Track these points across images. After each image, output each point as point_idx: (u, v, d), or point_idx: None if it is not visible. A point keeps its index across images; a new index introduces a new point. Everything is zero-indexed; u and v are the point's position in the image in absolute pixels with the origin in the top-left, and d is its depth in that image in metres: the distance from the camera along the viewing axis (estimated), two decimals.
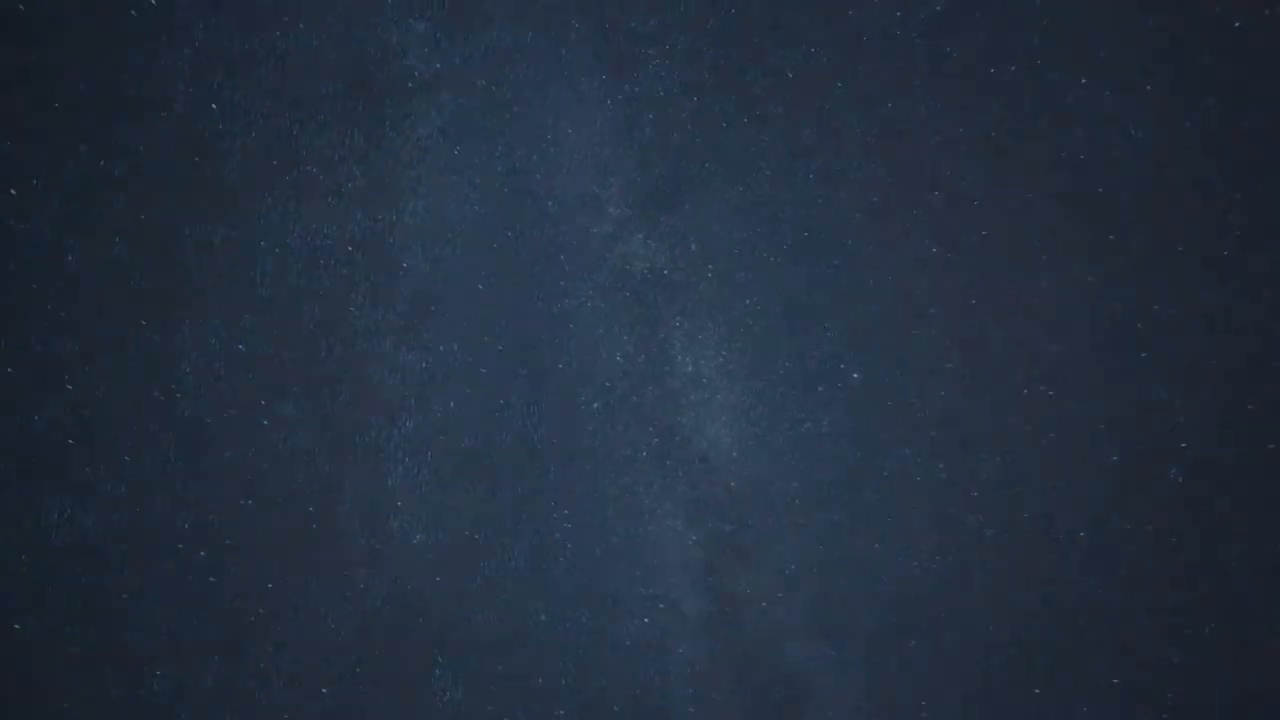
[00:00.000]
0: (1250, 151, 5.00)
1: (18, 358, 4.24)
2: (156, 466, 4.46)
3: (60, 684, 4.32)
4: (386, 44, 4.64)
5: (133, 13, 4.13)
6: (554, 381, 5.08)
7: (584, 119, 4.93)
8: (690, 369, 5.24)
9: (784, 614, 5.55)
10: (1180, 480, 5.19)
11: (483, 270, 4.92)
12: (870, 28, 4.94)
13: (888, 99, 5.05)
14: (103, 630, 4.37)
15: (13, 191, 3.94)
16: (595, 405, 5.16)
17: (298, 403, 4.67)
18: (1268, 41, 4.90)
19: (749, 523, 5.51)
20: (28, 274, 4.24)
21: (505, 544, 5.08)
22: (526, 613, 5.12)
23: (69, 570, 4.34)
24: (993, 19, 4.86)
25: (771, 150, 5.09)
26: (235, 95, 4.39)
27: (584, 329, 5.10)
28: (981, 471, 5.49)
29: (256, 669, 4.59)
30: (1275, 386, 5.12)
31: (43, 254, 4.20)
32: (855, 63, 4.99)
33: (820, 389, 5.39)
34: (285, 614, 4.72)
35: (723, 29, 4.93)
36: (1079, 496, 5.32)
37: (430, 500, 4.93)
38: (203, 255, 4.47)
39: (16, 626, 4.19)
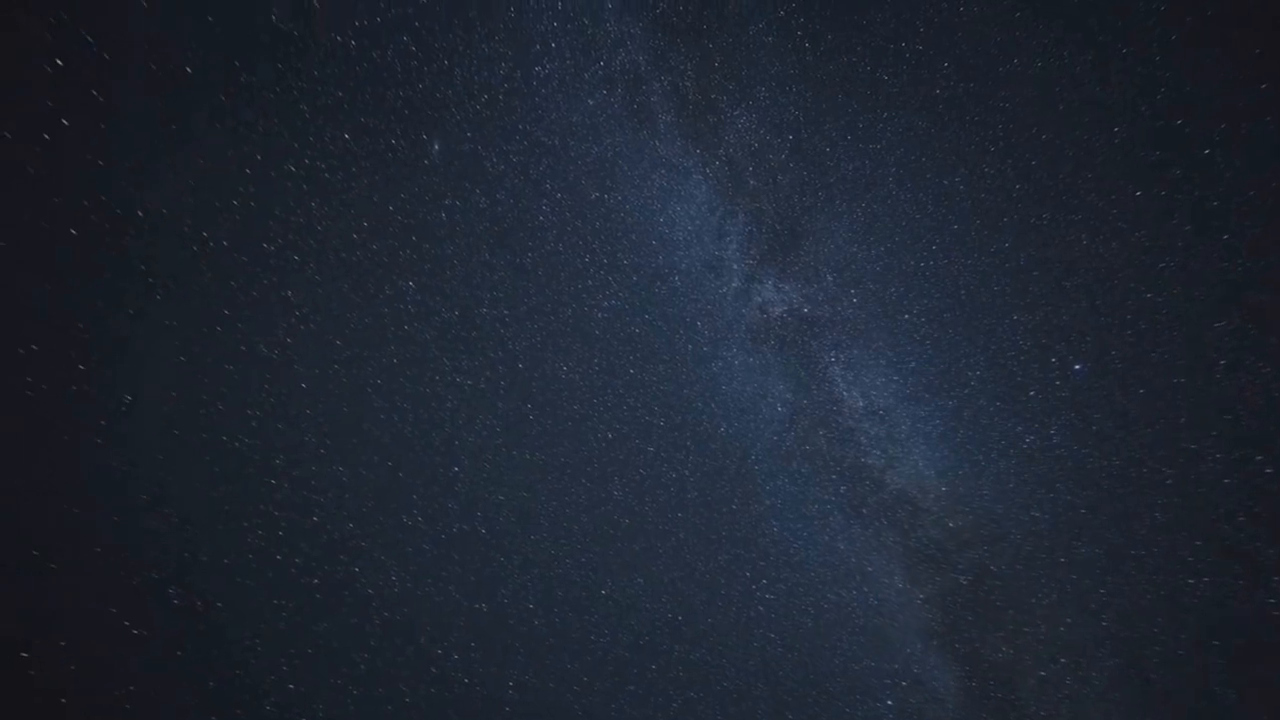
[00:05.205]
0: None
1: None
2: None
3: None
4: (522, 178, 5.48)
5: None
6: (718, 446, 4.99)
7: (689, 194, 5.15)
8: (861, 403, 4.75)
9: (1076, 685, 4.32)
10: None
11: (630, 356, 5.19)
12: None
13: (1013, 55, 4.46)
14: None
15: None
16: (767, 463, 4.91)
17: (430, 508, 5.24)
18: None
19: (990, 569, 4.54)
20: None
21: (708, 626, 4.87)
22: (748, 699, 4.74)
23: None
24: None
25: (887, 153, 4.74)
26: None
27: (737, 387, 5.00)
28: None
29: None
30: None
31: None
32: (955, 37, 4.54)
33: (1032, 392, 4.46)
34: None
35: (800, 64, 4.90)
36: None
37: (624, 587, 5.01)
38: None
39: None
